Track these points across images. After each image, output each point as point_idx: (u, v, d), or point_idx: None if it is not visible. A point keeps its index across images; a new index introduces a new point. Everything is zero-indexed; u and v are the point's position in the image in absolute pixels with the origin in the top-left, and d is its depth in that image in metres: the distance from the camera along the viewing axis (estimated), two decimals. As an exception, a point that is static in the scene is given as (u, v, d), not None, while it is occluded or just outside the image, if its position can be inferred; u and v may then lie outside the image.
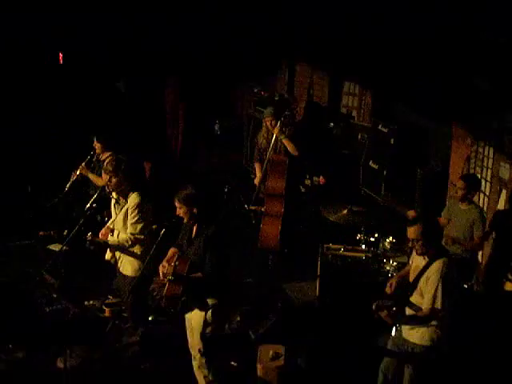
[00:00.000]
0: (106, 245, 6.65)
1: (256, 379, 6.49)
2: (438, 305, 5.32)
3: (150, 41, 11.66)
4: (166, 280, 5.60)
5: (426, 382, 5.64)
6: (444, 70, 8.94)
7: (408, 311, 5.62)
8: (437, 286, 5.32)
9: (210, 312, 5.69)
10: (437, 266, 5.39)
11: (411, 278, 5.65)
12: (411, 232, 5.48)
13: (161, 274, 5.70)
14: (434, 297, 5.33)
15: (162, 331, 7.31)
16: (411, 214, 7.85)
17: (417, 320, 5.50)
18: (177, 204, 5.70)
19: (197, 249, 5.69)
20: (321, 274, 7.81)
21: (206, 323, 5.73)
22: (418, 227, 5.46)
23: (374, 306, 5.50)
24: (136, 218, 6.52)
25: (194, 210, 5.66)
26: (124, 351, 6.94)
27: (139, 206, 6.53)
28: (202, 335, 5.77)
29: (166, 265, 5.72)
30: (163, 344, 7.08)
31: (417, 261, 5.66)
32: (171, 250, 6.04)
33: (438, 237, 5.59)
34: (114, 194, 6.76)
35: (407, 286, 5.65)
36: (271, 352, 6.60)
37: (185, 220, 5.77)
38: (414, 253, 5.71)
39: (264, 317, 7.57)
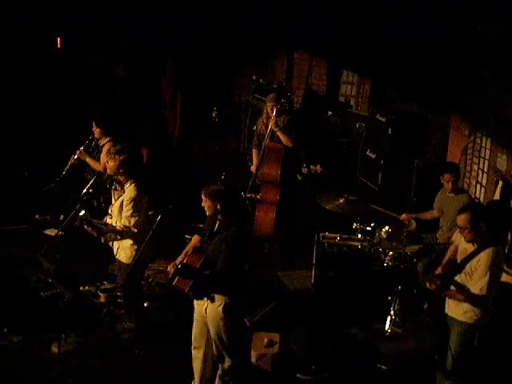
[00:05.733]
0: (99, 232, 6.64)
1: (250, 366, 6.52)
2: (484, 292, 5.43)
3: (148, 28, 11.60)
4: (172, 267, 5.59)
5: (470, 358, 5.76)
6: (443, 60, 8.94)
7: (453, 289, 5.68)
8: (486, 275, 5.42)
9: (221, 307, 5.63)
10: (487, 255, 5.47)
11: (459, 259, 5.72)
12: (460, 220, 5.58)
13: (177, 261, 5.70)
14: (485, 281, 5.42)
15: (156, 318, 7.32)
16: (404, 217, 7.87)
17: (463, 298, 5.57)
18: (203, 197, 5.68)
19: (215, 245, 5.64)
20: (316, 263, 7.82)
21: (219, 319, 5.68)
22: (467, 215, 5.56)
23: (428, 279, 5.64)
24: (130, 212, 6.51)
25: (218, 206, 5.62)
26: (119, 337, 6.94)
27: (135, 200, 6.51)
28: (220, 330, 5.71)
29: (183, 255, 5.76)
30: (158, 331, 7.09)
31: (464, 244, 5.74)
32: (195, 238, 6.07)
33: (486, 226, 5.57)
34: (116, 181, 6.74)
35: (453, 267, 5.72)
36: (266, 339, 6.62)
37: (207, 212, 5.75)
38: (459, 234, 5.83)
39: (259, 304, 7.57)
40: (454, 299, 5.68)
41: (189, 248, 5.99)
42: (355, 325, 7.35)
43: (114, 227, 6.61)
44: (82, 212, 6.54)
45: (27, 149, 10.51)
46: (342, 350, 6.93)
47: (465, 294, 5.54)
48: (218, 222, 5.76)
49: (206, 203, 5.68)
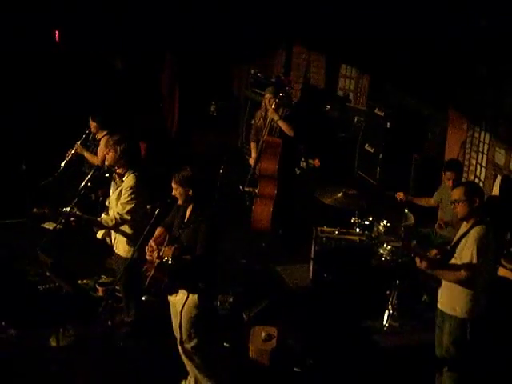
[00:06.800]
0: (88, 222, 6.64)
1: (248, 360, 6.52)
2: (474, 260, 5.45)
3: (147, 22, 11.60)
4: (163, 261, 5.56)
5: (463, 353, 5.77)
6: (442, 54, 8.92)
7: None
8: (472, 251, 5.46)
9: (196, 296, 5.65)
10: (475, 231, 5.55)
11: (452, 244, 5.78)
12: (456, 193, 5.71)
13: (149, 254, 5.65)
14: (471, 256, 5.46)
15: (155, 312, 7.31)
16: (400, 195, 7.91)
17: (451, 276, 5.61)
18: (173, 185, 5.67)
19: (191, 233, 5.62)
20: (314, 257, 7.83)
21: (193, 307, 5.70)
22: (462, 188, 5.72)
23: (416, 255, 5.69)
24: (127, 199, 6.50)
25: (190, 192, 5.62)
26: (117, 331, 6.94)
27: (133, 188, 6.50)
28: (192, 319, 5.73)
29: (153, 245, 5.69)
30: (156, 325, 7.08)
31: (459, 231, 5.81)
32: (159, 230, 5.94)
33: (479, 202, 5.65)
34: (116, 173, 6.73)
35: (446, 251, 5.78)
36: (264, 334, 6.63)
37: (179, 201, 5.73)
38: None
39: (257, 298, 7.58)
40: (443, 278, 5.71)
41: (154, 239, 5.83)
42: (353, 319, 7.35)
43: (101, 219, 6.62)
44: (68, 208, 6.53)
45: (25, 142, 10.49)
46: (339, 344, 6.94)
47: (454, 273, 5.57)
48: (189, 210, 5.74)
49: (177, 191, 5.66)
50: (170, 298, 5.88)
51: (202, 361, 5.93)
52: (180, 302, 5.72)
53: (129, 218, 6.52)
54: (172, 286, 5.70)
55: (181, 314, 5.74)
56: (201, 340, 5.84)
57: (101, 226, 6.66)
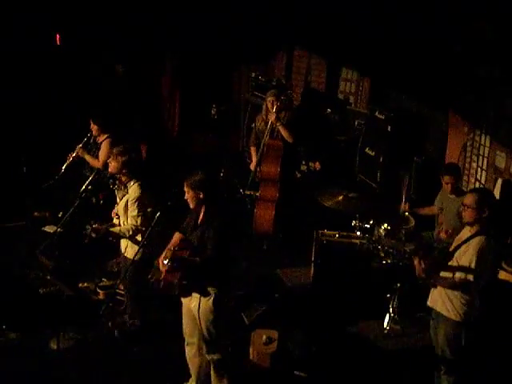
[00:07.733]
0: (107, 233, 6.65)
1: (249, 363, 6.52)
2: (471, 278, 5.45)
3: (148, 26, 11.61)
4: (163, 264, 5.57)
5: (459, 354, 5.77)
6: (442, 57, 8.94)
7: (443, 274, 5.72)
8: (471, 260, 5.45)
9: (211, 300, 5.66)
10: (477, 241, 5.52)
11: (452, 247, 5.77)
12: (468, 199, 5.66)
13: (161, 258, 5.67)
14: (468, 269, 5.45)
15: (159, 315, 7.31)
16: (404, 208, 7.86)
17: (446, 283, 5.64)
18: (185, 188, 5.69)
19: (202, 235, 5.64)
20: (315, 260, 7.83)
21: (209, 312, 5.70)
22: (475, 195, 5.67)
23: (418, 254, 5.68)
24: (136, 211, 6.55)
25: (201, 196, 5.64)
26: (119, 334, 6.94)
27: (139, 199, 6.54)
28: (210, 323, 5.72)
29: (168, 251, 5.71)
30: (160, 328, 7.08)
31: (461, 233, 5.81)
32: (176, 235, 6.01)
33: (489, 212, 5.61)
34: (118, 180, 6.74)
35: (446, 253, 5.77)
36: (264, 337, 6.63)
37: (191, 205, 5.74)
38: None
39: (258, 302, 7.58)
40: (441, 285, 5.70)
41: (171, 245, 5.89)
42: (354, 322, 7.36)
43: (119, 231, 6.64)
44: (88, 229, 6.54)
45: (26, 145, 10.49)
46: (340, 347, 6.93)
47: (452, 281, 5.58)
48: (202, 213, 5.76)
49: (188, 194, 5.68)
50: (184, 301, 5.88)
51: (224, 362, 5.94)
52: (195, 308, 5.73)
53: (144, 228, 6.55)
54: (185, 287, 5.70)
55: (200, 321, 5.75)
56: (222, 342, 5.88)
57: (119, 236, 6.69)
